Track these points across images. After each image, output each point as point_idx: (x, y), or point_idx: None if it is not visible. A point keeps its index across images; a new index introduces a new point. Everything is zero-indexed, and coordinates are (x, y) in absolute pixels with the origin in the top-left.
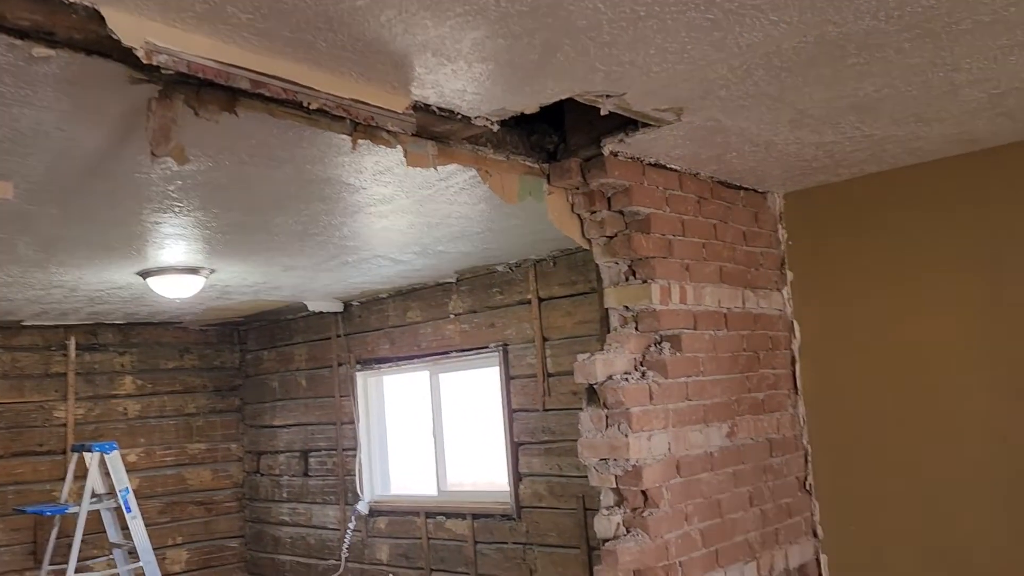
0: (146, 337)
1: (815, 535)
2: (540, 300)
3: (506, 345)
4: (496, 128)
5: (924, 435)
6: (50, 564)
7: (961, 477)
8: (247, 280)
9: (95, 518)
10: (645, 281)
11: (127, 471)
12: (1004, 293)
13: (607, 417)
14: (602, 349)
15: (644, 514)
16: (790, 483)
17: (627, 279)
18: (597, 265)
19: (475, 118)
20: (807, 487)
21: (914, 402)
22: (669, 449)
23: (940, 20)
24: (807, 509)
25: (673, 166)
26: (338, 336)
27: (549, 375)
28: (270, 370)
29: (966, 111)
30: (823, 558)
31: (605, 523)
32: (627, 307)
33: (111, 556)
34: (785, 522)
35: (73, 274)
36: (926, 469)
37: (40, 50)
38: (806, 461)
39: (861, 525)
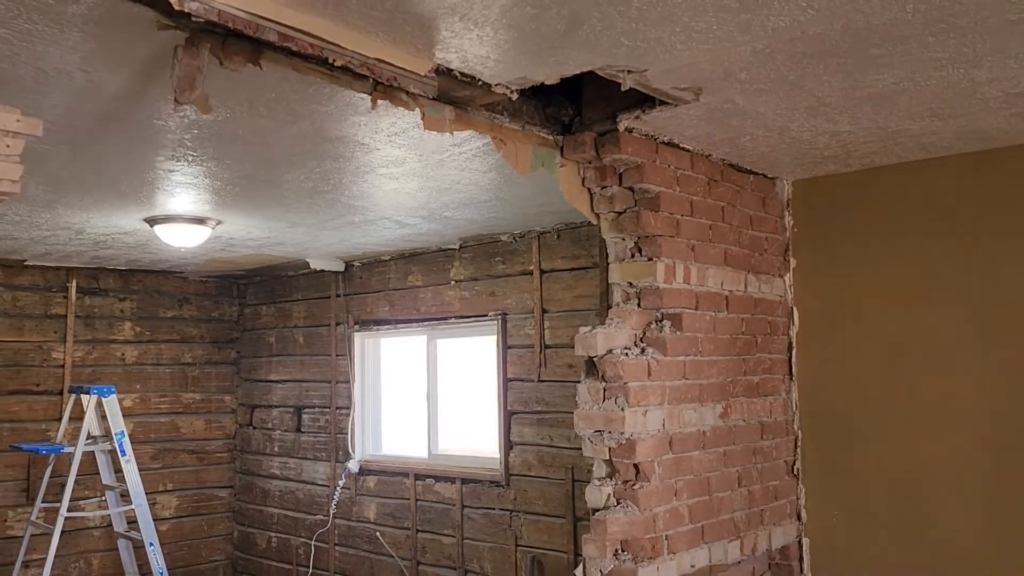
0: (146, 284)
1: (799, 518)
2: (542, 272)
3: (505, 314)
4: (515, 97)
5: (914, 428)
6: (42, 502)
7: (948, 472)
8: (252, 234)
9: (89, 460)
10: (651, 259)
11: (122, 415)
12: (1005, 291)
13: (605, 390)
14: (604, 323)
15: (635, 487)
16: (778, 466)
17: (633, 256)
18: (601, 240)
19: (495, 86)
20: (795, 471)
21: (906, 395)
22: (663, 425)
23: (967, 16)
24: (793, 493)
25: (686, 146)
26: (338, 296)
27: (546, 346)
28: (268, 325)
29: (982, 109)
30: (805, 541)
31: (596, 493)
32: (631, 283)
33: (103, 498)
34: (771, 504)
35: (80, 216)
36: (914, 461)
37: None
38: (796, 446)
39: (845, 511)
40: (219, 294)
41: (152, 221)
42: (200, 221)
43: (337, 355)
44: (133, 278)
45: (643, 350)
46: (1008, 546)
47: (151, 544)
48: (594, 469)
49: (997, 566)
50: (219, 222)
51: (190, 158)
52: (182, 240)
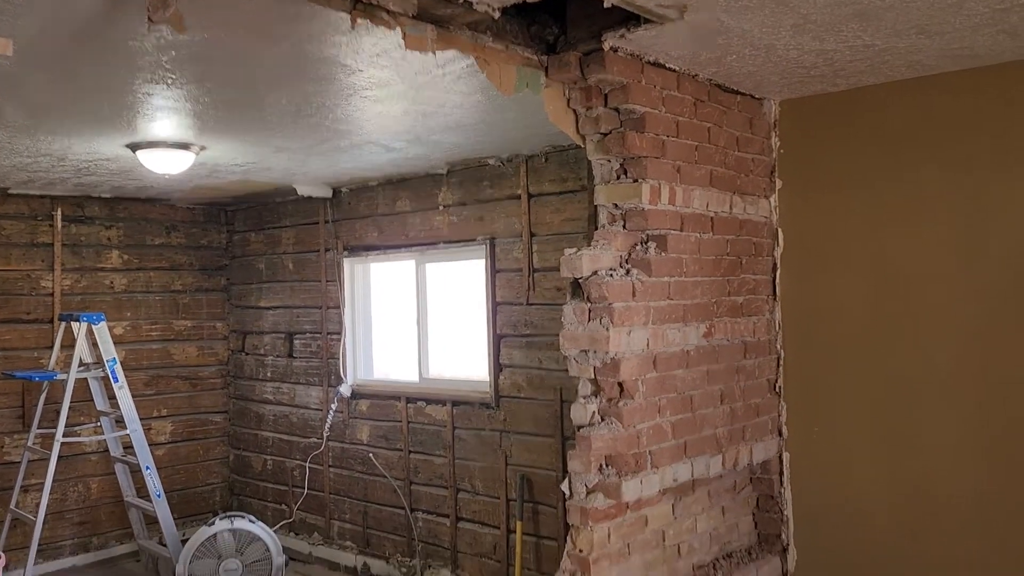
0: (132, 212)
1: (780, 434)
2: (530, 196)
3: (493, 238)
4: (497, 15)
5: (896, 347)
6: (38, 428)
7: (929, 391)
8: (237, 159)
9: (82, 386)
10: (636, 180)
11: (113, 343)
12: (990, 212)
13: (590, 311)
14: (589, 245)
15: (619, 404)
16: (760, 384)
17: (618, 177)
18: (589, 163)
19: (477, 3)
20: (776, 389)
21: (889, 314)
22: (647, 345)
23: None
24: (774, 410)
25: (672, 66)
26: (326, 222)
27: (535, 270)
28: (257, 252)
29: (968, 26)
30: (785, 456)
31: (581, 411)
32: (616, 205)
33: (98, 424)
34: (752, 420)
35: (62, 143)
36: (895, 380)
37: None
38: (778, 364)
39: (825, 427)
40: (207, 221)
41: (135, 147)
42: (183, 147)
43: (327, 281)
44: (119, 206)
45: (628, 271)
46: (987, 463)
47: (147, 467)
48: (579, 388)
49: (976, 484)
50: (203, 148)
51: (169, 81)
52: (166, 166)
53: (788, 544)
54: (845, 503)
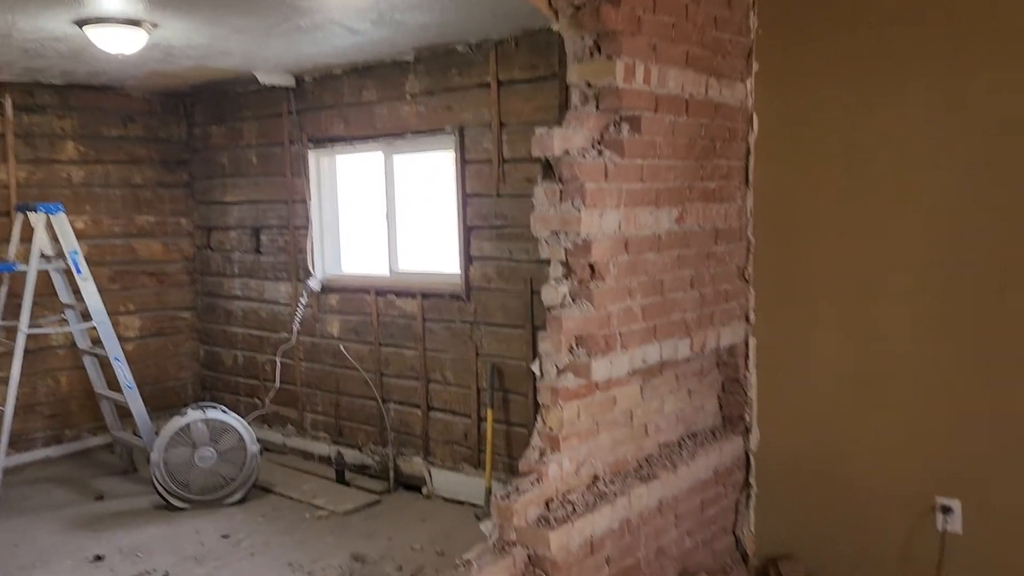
0: (86, 101)
1: (747, 320)
2: (499, 83)
3: (462, 128)
4: None
5: (865, 236)
6: (1, 320)
7: (895, 277)
8: (193, 40)
9: (45, 280)
10: (610, 57)
11: (76, 238)
12: (970, 97)
13: (561, 192)
14: (561, 125)
15: (590, 286)
16: (730, 271)
17: (592, 55)
18: (560, 48)
19: None
20: (745, 276)
21: (860, 204)
22: (619, 227)
23: None
24: (743, 296)
25: None
26: (290, 113)
27: (504, 160)
28: (219, 145)
29: None
30: (752, 341)
31: (552, 292)
32: (589, 84)
33: (63, 316)
34: (721, 306)
35: (4, 19)
36: (862, 267)
37: None
38: (748, 251)
39: (792, 315)
40: (165, 112)
41: (82, 23)
42: (134, 23)
43: (292, 174)
44: (71, 94)
45: (600, 152)
46: (946, 348)
47: (116, 359)
48: (551, 269)
49: (933, 367)
50: (155, 25)
51: None
52: (117, 45)
53: (751, 425)
54: (807, 387)
